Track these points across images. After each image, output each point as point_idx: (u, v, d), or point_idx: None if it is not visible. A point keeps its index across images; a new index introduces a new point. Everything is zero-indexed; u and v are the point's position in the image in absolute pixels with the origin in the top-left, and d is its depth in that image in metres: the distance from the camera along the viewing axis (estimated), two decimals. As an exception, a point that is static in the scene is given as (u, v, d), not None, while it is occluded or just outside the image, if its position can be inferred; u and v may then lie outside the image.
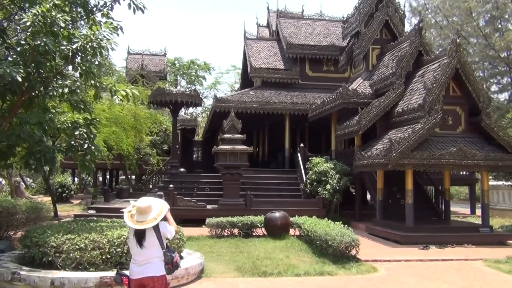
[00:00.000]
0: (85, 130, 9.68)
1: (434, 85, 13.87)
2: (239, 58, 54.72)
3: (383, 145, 14.94)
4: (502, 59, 33.59)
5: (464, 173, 21.57)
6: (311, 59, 25.78)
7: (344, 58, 21.66)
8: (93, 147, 9.72)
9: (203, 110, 52.18)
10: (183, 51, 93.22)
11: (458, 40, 14.11)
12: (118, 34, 9.34)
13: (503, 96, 35.28)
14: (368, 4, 19.91)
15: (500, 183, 20.77)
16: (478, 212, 22.23)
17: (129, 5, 9.60)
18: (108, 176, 35.73)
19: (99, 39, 8.78)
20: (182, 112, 35.56)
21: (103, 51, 9.03)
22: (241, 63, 32.31)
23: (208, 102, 48.95)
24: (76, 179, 42.18)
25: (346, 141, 23.41)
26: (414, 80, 16.13)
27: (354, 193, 21.09)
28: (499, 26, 34.84)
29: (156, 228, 4.78)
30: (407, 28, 20.40)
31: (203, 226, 14.54)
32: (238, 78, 47.29)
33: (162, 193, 15.82)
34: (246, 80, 28.25)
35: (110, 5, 9.73)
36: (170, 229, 4.99)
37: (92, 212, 16.56)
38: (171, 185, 17.51)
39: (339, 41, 26.03)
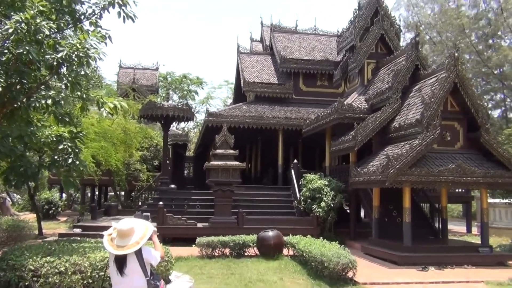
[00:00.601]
0: (70, 144, 9.14)
1: (432, 99, 13.55)
2: (231, 73, 54.50)
3: (379, 161, 14.54)
4: (495, 75, 33.62)
5: (460, 190, 21.21)
6: (305, 74, 25.52)
7: (339, 73, 21.37)
8: (78, 162, 9.18)
9: (195, 125, 51.72)
10: (175, 65, 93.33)
11: (456, 54, 13.82)
12: (106, 43, 8.91)
13: (496, 113, 35.22)
14: (364, 18, 19.71)
15: (496, 200, 20.42)
16: (474, 230, 21.92)
17: (119, 13, 9.17)
18: (96, 192, 34.96)
19: (86, 48, 8.34)
20: (173, 127, 35.03)
21: (90, 61, 8.59)
22: (234, 78, 32.02)
23: (200, 117, 48.55)
24: (64, 195, 41.35)
25: (340, 157, 23.01)
26: (411, 94, 15.82)
27: (348, 211, 20.69)
28: (492, 42, 34.96)
29: (138, 253, 4.26)
30: (402, 43, 20.12)
31: (193, 245, 14.00)
32: (231, 93, 46.98)
33: (148, 214, 15.19)
34: (239, 95, 27.91)
35: (99, 13, 9.29)
36: (154, 255, 4.47)
37: (77, 230, 15.90)
38: (160, 202, 16.94)
39: (333, 56, 25.83)
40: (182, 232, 16.55)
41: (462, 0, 35.33)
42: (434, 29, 35.80)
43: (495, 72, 33.61)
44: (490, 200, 21.88)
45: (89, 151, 16.79)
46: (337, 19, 78.23)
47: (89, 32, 8.98)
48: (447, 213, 16.20)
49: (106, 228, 13.69)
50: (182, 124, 51.71)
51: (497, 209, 20.43)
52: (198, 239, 13.76)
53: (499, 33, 33.62)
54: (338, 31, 26.87)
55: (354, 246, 15.96)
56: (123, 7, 9.01)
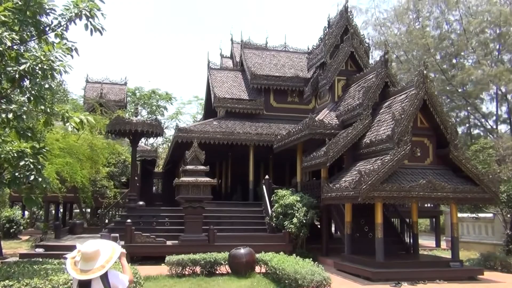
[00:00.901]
0: (32, 160, 8.69)
1: (403, 116, 13.67)
2: (201, 89, 54.37)
3: (351, 177, 14.53)
4: (460, 93, 34.56)
5: (429, 205, 21.46)
6: (276, 90, 25.51)
7: (310, 89, 21.47)
8: (40, 179, 8.73)
9: (164, 141, 51.05)
10: (144, 81, 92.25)
11: (425, 72, 14.04)
12: (72, 56, 8.57)
13: (461, 130, 36.12)
14: (334, 36, 19.92)
15: (464, 215, 20.74)
16: (443, 244, 22.17)
17: (86, 25, 8.84)
18: (61, 210, 33.81)
19: (50, 61, 8.00)
20: (142, 142, 34.37)
21: (55, 74, 8.26)
22: (203, 94, 31.78)
23: (170, 133, 47.93)
24: (26, 213, 39.79)
25: (311, 173, 23.03)
26: (381, 111, 15.97)
27: (319, 227, 20.59)
28: (455, 62, 36.02)
29: (104, 278, 3.94)
30: (371, 61, 20.41)
31: (163, 264, 13.59)
32: (201, 108, 46.65)
33: (117, 235, 14.61)
34: (210, 111, 27.67)
35: (65, 25, 8.94)
36: (122, 279, 4.15)
37: (40, 250, 15.20)
38: (128, 220, 16.42)
39: (304, 73, 25.99)
40: (151, 251, 16.11)
41: (426, 21, 36.38)
42: (401, 48, 36.66)
43: (459, 90, 34.56)
44: (459, 215, 22.24)
45: (53, 168, 16.15)
46: (307, 37, 79.47)
47: (54, 44, 8.63)
48: (417, 228, 16.29)
49: (70, 247, 13.13)
50: (151, 140, 51.13)
51: (465, 223, 20.75)
52: (167, 258, 13.40)
53: (463, 53, 34.67)
54: (308, 48, 27.18)
55: (327, 263, 15.82)
56: (90, 19, 8.68)
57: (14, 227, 25.80)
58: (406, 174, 13.71)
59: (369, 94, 16.06)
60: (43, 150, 9.14)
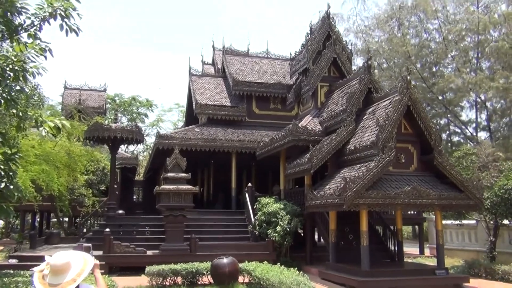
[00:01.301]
0: (3, 167, 8.21)
1: (387, 122, 13.53)
2: (182, 96, 53.79)
3: (336, 184, 14.31)
4: (440, 101, 34.88)
5: (412, 212, 21.39)
6: (258, 97, 25.28)
7: (292, 95, 21.28)
8: (12, 187, 8.25)
9: (144, 148, 50.37)
10: (124, 88, 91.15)
11: (408, 77, 13.95)
12: (46, 57, 8.16)
13: (443, 136, 36.43)
14: (316, 42, 19.79)
15: (448, 222, 20.71)
16: (427, 252, 22.10)
17: (61, 26, 8.43)
18: (38, 219, 32.86)
19: (22, 62, 7.59)
20: (121, 149, 33.64)
21: (27, 76, 7.84)
22: (185, 101, 31.33)
23: (150, 140, 47.27)
24: (1, 222, 38.63)
25: (293, 181, 22.76)
26: (365, 117, 15.83)
27: (302, 235, 20.33)
28: (435, 70, 36.38)
29: (76, 293, 3.57)
30: (354, 67, 20.35)
31: (143, 274, 13.14)
32: (182, 116, 46.13)
33: (90, 245, 14.00)
34: (191, 117, 27.29)
35: (38, 25, 8.52)
36: (96, 294, 3.78)
37: (13, 261, 14.56)
38: (107, 229, 15.90)
39: (286, 79, 25.84)
40: (131, 261, 15.63)
41: (406, 29, 36.69)
42: (382, 56, 36.90)
43: (440, 98, 34.89)
44: (443, 222, 22.23)
45: (28, 175, 15.54)
46: (288, 44, 79.56)
47: (27, 44, 8.22)
48: (402, 235, 16.13)
49: (45, 258, 12.44)
50: (132, 147, 50.37)
51: (448, 230, 20.70)
52: (147, 268, 12.98)
53: (442, 61, 35.04)
54: (290, 55, 27.10)
55: (311, 271, 15.53)
56: (65, 20, 8.29)
57: (-13, 237, 24.97)
58: (391, 181, 13.54)
59: (353, 100, 15.92)
60: (16, 156, 8.67)
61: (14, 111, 8.22)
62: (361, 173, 12.94)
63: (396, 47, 33.61)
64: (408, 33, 37.33)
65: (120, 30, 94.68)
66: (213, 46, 32.95)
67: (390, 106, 14.09)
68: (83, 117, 26.79)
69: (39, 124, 8.43)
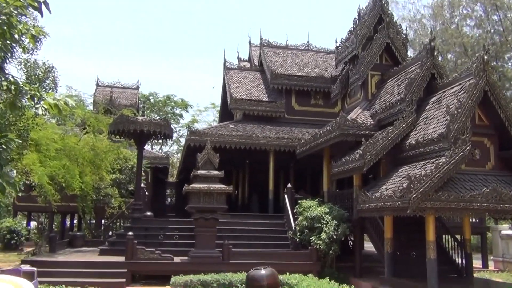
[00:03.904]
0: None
1: (459, 110, 11.23)
2: (218, 96, 52.29)
3: (394, 184, 12.09)
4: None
5: (475, 220, 18.77)
6: (298, 91, 23.24)
7: (338, 87, 19.09)
8: (-1, 179, 6.55)
9: (178, 149, 49.06)
10: (158, 87, 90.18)
11: (485, 57, 11.60)
12: (42, 13, 6.44)
13: None
14: (366, 26, 17.55)
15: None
16: (491, 265, 19.44)
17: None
18: (75, 221, 31.84)
19: (8, 15, 5.91)
20: (154, 150, 32.21)
21: (14, 35, 6.14)
22: (219, 99, 29.64)
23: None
24: (34, 223, 37.97)
25: (335, 182, 20.53)
26: (428, 107, 13.53)
27: (347, 242, 18.19)
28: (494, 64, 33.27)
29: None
30: (409, 54, 18.02)
31: (168, 285, 11.37)
32: (217, 116, 44.51)
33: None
34: (226, 114, 25.52)
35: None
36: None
37: (25, 267, 12.98)
38: (130, 233, 14.18)
39: (329, 73, 23.72)
40: (156, 268, 13.91)
41: (465, 20, 33.39)
42: (436, 48, 33.88)
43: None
44: (506, 232, 19.54)
45: (45, 171, 14.07)
46: (331, 37, 76.31)
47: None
48: (471, 246, 13.68)
49: (61, 264, 10.59)
50: (165, 148, 49.21)
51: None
52: (173, 278, 11.31)
53: (502, 55, 31.82)
54: (336, 42, 24.65)
55: (362, 286, 13.37)
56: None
57: (16, 238, 23.86)
58: (464, 181, 11.22)
59: (413, 87, 13.64)
60: (5, 140, 6.98)
61: (4, 83, 6.54)
62: (428, 171, 10.70)
63: (451, 39, 30.62)
64: (466, 24, 33.86)
65: (154, 29, 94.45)
66: (249, 42, 31.11)
67: (462, 92, 11.77)
68: (115, 114, 25.50)
69: (35, 102, 6.70)
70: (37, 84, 11.35)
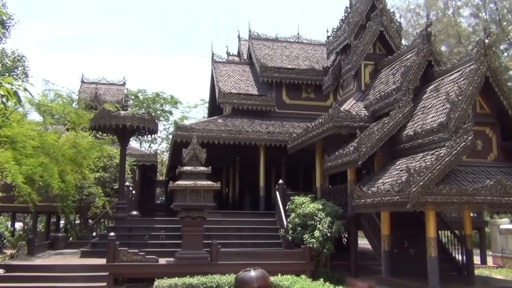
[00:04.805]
0: None
1: (460, 97, 10.53)
2: (207, 92, 51.28)
3: (392, 178, 11.38)
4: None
5: (473, 215, 18.13)
6: (289, 84, 22.45)
7: (330, 78, 18.35)
8: None
9: (168, 147, 48.10)
10: (147, 85, 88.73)
11: (487, 41, 10.91)
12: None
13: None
14: (359, 13, 16.84)
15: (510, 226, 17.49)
16: (490, 261, 18.87)
17: None
18: (62, 222, 30.78)
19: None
20: (143, 147, 31.29)
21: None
22: (208, 94, 28.80)
23: (175, 139, 44.80)
24: (20, 224, 36.93)
25: (328, 177, 19.82)
26: (425, 96, 12.83)
27: (344, 240, 17.53)
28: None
29: None
30: (404, 43, 17.30)
31: (152, 288, 10.58)
32: (207, 112, 43.52)
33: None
34: (214, 108, 24.73)
35: None
36: None
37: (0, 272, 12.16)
38: (111, 233, 13.34)
39: (320, 65, 22.95)
40: (139, 271, 13.09)
41: (464, 8, 32.58)
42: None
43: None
44: (506, 226, 18.94)
45: (21, 169, 13.17)
46: (321, 30, 75.24)
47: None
48: (471, 242, 13.00)
49: (38, 268, 9.75)
50: (155, 147, 48.26)
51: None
52: (156, 282, 10.47)
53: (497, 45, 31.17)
54: (325, 40, 24.12)
55: (358, 286, 12.67)
56: None
57: (-2, 240, 22.92)
58: (465, 173, 10.54)
59: (409, 75, 12.94)
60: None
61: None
62: (428, 163, 9.99)
63: (447, 28, 29.85)
64: (461, 16, 33.10)
65: (140, 25, 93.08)
66: (238, 36, 30.30)
67: (462, 78, 11.08)
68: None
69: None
70: (6, 74, 10.47)
